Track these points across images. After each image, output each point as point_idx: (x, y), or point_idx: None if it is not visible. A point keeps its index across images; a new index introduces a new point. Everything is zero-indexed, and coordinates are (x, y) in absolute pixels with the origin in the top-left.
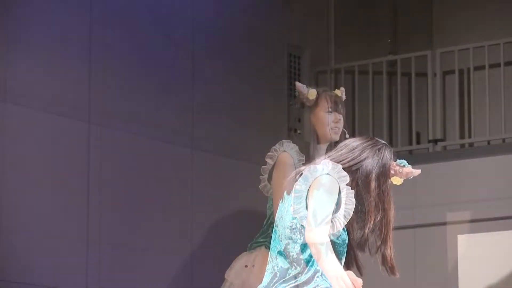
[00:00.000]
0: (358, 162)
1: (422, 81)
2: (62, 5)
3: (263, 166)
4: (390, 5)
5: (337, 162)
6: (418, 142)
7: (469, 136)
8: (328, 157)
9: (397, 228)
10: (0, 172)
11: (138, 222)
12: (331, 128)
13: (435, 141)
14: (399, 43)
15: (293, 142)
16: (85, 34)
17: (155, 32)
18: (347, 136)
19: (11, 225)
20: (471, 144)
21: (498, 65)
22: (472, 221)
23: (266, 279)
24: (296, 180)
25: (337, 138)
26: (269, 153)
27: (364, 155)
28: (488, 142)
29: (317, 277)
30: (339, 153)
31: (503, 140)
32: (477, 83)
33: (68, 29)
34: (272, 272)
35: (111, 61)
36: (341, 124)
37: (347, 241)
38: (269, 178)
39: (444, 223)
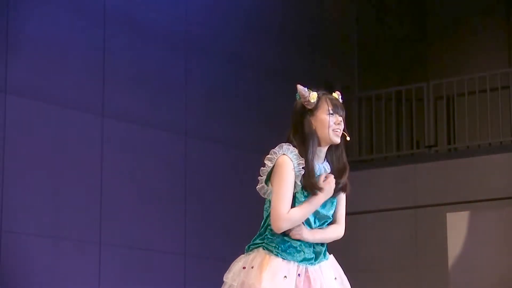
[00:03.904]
0: None
1: (420, 104)
2: (64, 8)
3: (262, 168)
4: (397, 51)
5: None
6: (418, 147)
7: (454, 143)
8: None
9: (401, 208)
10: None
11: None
12: (333, 130)
13: (430, 147)
14: (404, 78)
15: (292, 145)
16: (97, 35)
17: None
18: (348, 138)
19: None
20: (455, 149)
21: (474, 92)
22: (456, 202)
23: None
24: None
25: (338, 140)
26: (268, 156)
27: None
28: (468, 147)
29: None
30: None
31: (478, 145)
32: (459, 105)
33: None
34: None
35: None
36: (341, 126)
37: None
38: (267, 180)
39: (437, 204)
